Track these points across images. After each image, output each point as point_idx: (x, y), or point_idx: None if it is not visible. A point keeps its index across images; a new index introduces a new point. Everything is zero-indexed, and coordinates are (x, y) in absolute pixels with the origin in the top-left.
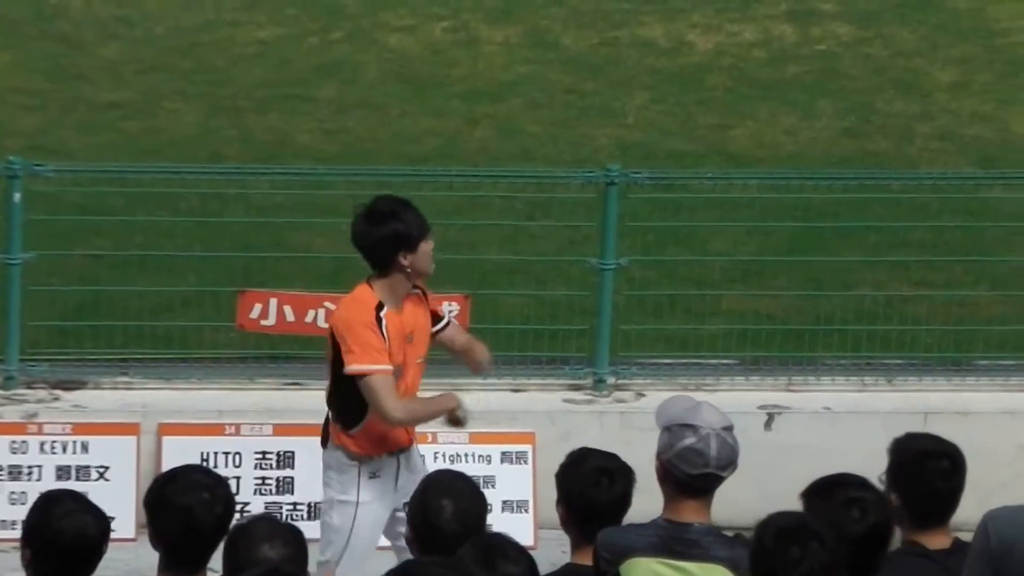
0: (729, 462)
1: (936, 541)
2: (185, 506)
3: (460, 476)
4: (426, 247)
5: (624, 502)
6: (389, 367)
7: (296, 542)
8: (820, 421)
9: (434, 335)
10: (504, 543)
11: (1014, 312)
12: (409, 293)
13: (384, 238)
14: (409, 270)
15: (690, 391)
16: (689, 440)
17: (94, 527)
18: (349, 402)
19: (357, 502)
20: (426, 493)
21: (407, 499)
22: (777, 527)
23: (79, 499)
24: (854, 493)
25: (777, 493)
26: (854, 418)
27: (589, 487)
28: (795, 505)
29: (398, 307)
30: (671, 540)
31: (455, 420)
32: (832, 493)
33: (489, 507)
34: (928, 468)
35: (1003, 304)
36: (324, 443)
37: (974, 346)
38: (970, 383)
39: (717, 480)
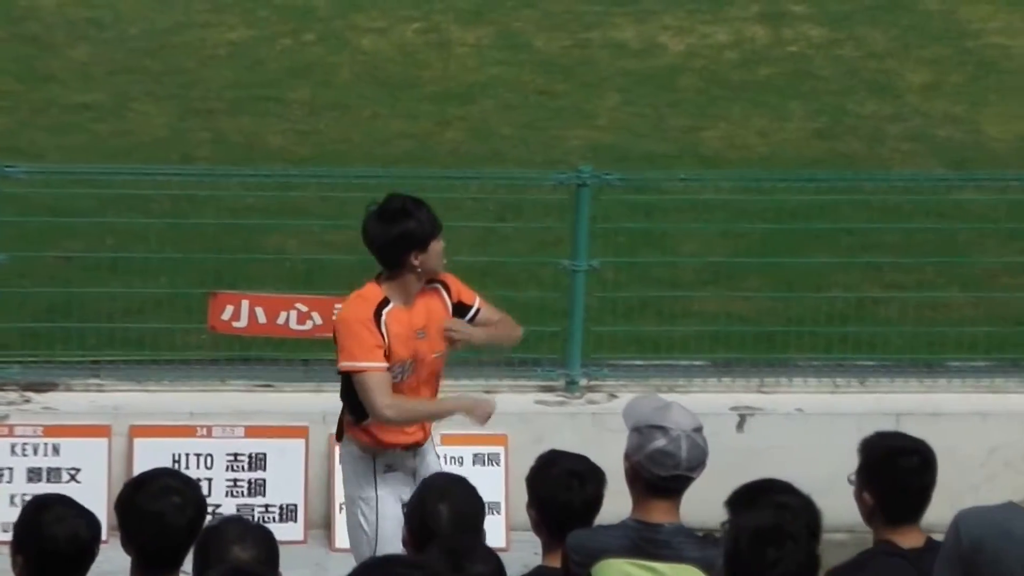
0: (699, 463)
1: (909, 539)
2: (156, 511)
3: (458, 480)
4: (436, 246)
5: (595, 504)
6: (382, 364)
7: (266, 543)
8: (792, 423)
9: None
10: (471, 544)
11: (986, 314)
12: (424, 288)
13: (396, 237)
14: (419, 269)
15: (662, 392)
16: (660, 442)
17: (86, 530)
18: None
19: (376, 496)
20: (423, 496)
21: None
22: (753, 528)
23: (69, 503)
24: (780, 498)
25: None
26: (826, 420)
27: (560, 490)
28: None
29: (408, 304)
30: (642, 541)
31: (476, 419)
32: (757, 500)
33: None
34: (900, 465)
35: (975, 306)
36: (339, 437)
37: (946, 348)
38: (942, 385)
39: (687, 481)
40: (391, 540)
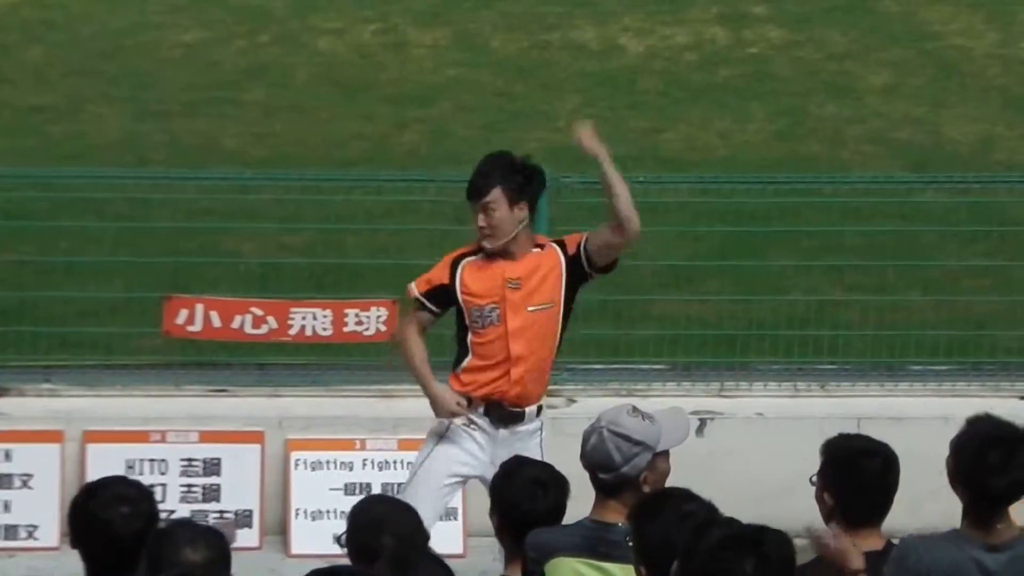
0: (602, 464)
1: (868, 542)
2: (104, 519)
3: (384, 500)
4: (475, 211)
5: (558, 513)
6: (421, 295)
7: (219, 546)
8: (752, 427)
9: (594, 252)
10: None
11: (947, 317)
12: (540, 250)
13: None
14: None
15: (621, 397)
16: (586, 429)
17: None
18: (456, 342)
19: (439, 439)
20: (361, 530)
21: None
22: (720, 536)
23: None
24: (685, 507)
25: (710, 500)
26: (787, 424)
27: (524, 499)
28: (730, 512)
29: (505, 257)
30: (595, 540)
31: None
32: (662, 508)
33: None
34: (861, 467)
35: (936, 309)
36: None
37: (907, 351)
38: (903, 388)
39: (596, 479)
40: (420, 488)
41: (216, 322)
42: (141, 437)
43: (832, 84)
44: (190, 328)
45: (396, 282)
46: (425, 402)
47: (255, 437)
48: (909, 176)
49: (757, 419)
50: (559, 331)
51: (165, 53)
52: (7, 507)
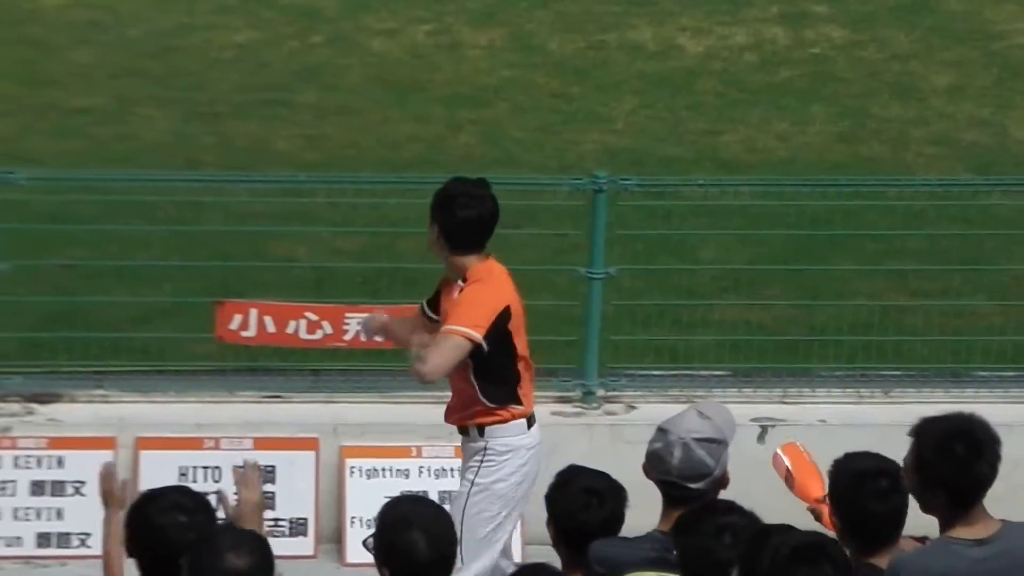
0: (697, 474)
1: (884, 561)
2: (158, 525)
3: (420, 500)
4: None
5: (614, 523)
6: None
7: (261, 551)
8: (815, 434)
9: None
10: None
11: (1013, 322)
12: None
13: None
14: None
15: (681, 403)
16: (656, 445)
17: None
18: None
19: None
20: (389, 529)
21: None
22: (793, 546)
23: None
24: (725, 519)
25: (772, 508)
26: (849, 431)
27: (578, 509)
28: (789, 519)
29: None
30: (667, 553)
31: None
32: (703, 521)
33: None
34: (864, 490)
35: (1002, 314)
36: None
37: (972, 357)
38: (968, 395)
39: (684, 491)
40: None
41: (270, 327)
42: (194, 444)
43: (895, 85)
44: (244, 333)
45: None
46: None
47: (310, 444)
48: (974, 179)
49: (820, 426)
50: (470, 372)
51: (215, 54)
52: (60, 514)
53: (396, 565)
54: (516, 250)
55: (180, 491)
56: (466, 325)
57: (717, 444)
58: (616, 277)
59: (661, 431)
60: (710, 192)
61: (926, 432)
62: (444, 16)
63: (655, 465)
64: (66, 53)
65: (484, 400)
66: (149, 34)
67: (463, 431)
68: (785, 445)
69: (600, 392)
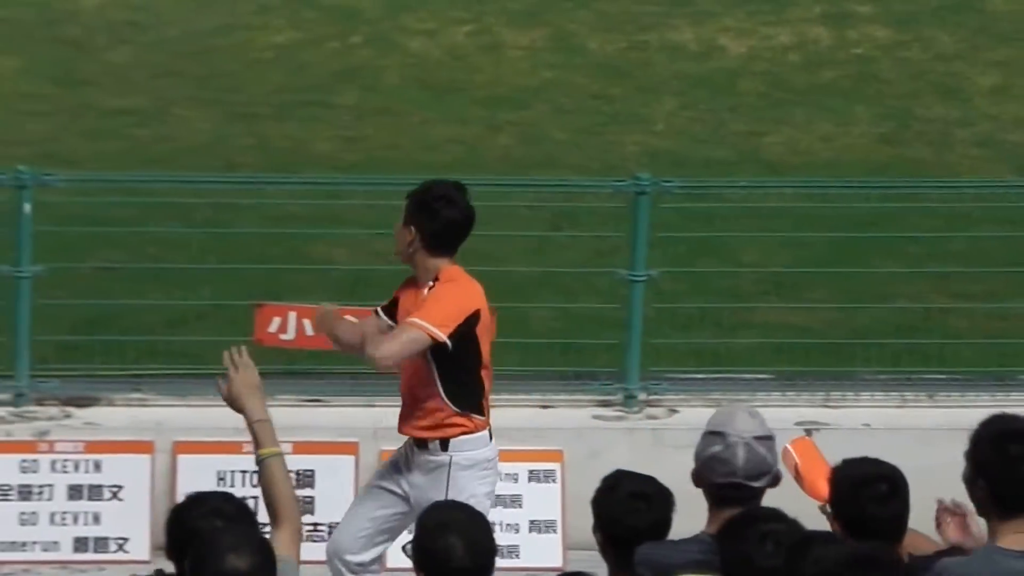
0: (760, 472)
1: None
2: (195, 529)
3: (460, 506)
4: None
5: (662, 527)
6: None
7: (263, 552)
8: (859, 438)
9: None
10: None
11: None
12: (422, 280)
13: None
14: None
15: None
16: (715, 448)
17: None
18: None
19: None
20: (427, 534)
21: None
22: (848, 558)
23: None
24: (766, 526)
25: (815, 512)
26: (893, 435)
27: (625, 513)
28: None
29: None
30: (715, 556)
31: None
32: (746, 528)
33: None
34: (863, 495)
35: None
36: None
37: (1018, 360)
38: (1014, 399)
39: (749, 491)
40: None
41: (309, 330)
42: (233, 448)
43: (939, 85)
44: (283, 336)
45: (492, 289)
46: (519, 412)
47: (349, 448)
48: (1019, 180)
49: (864, 430)
50: (434, 373)
51: (255, 55)
52: (97, 519)
53: (432, 570)
54: (557, 252)
55: (222, 497)
56: (430, 321)
57: (771, 440)
58: (657, 280)
59: (716, 434)
60: (752, 194)
61: (984, 431)
62: (484, 16)
63: (717, 468)
64: (104, 54)
65: (448, 403)
66: (188, 34)
67: (420, 444)
68: (795, 440)
69: (642, 396)
